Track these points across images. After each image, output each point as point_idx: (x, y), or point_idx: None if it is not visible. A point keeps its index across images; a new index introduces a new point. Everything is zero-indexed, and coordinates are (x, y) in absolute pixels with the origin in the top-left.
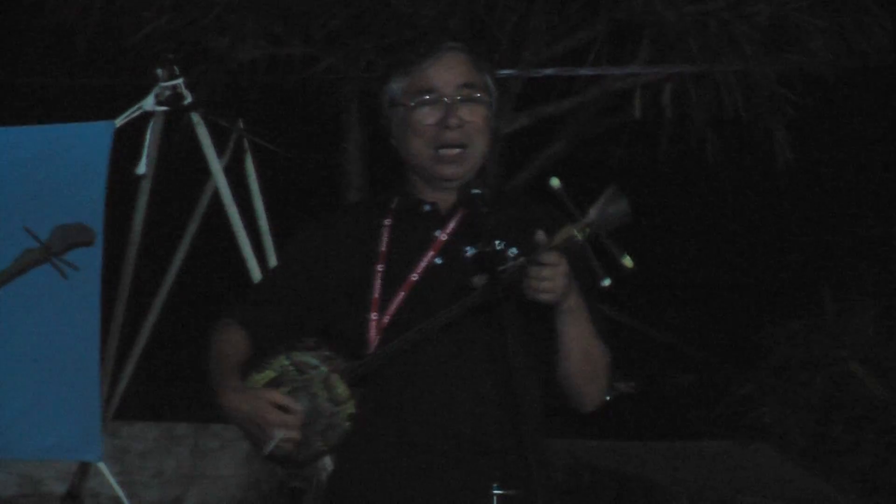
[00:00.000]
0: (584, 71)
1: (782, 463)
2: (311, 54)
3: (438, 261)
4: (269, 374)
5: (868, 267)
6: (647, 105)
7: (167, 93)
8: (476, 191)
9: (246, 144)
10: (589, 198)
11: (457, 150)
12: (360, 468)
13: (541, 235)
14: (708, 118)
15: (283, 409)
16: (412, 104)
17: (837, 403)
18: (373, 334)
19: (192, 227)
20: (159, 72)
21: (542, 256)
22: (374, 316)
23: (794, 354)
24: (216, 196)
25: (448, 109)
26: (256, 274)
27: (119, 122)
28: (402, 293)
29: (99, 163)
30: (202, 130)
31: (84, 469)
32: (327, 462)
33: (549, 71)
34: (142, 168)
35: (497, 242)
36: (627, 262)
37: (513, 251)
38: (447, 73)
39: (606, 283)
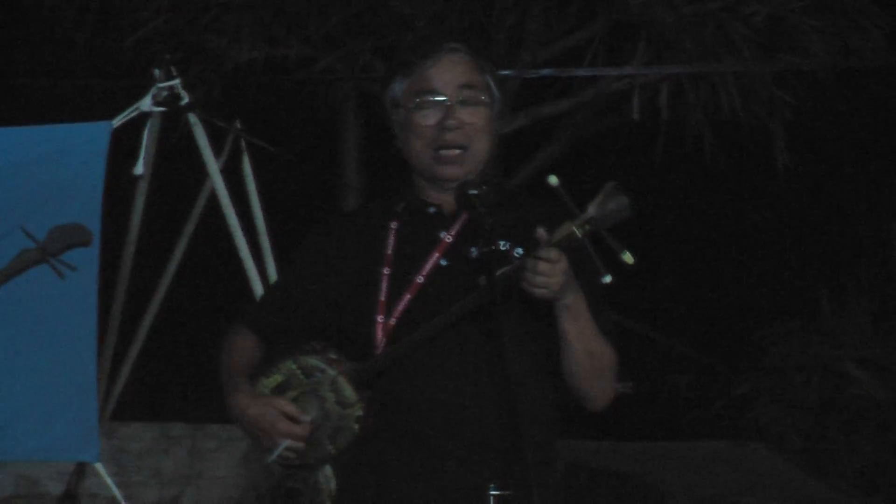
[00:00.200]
0: (582, 71)
1: (779, 463)
2: (308, 55)
3: (444, 262)
4: (276, 378)
5: (864, 268)
6: (644, 106)
7: (164, 93)
8: (473, 191)
9: (243, 145)
10: (587, 198)
11: (457, 152)
12: (368, 469)
13: (540, 232)
14: (705, 119)
15: (291, 418)
16: (412, 105)
17: (834, 404)
18: (379, 336)
19: (189, 228)
20: (156, 72)
21: (540, 252)
22: (380, 318)
23: (791, 355)
24: (213, 197)
25: (447, 111)
26: (254, 275)
27: (116, 122)
28: (408, 295)
29: (96, 163)
30: (199, 131)
31: (81, 469)
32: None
33: (546, 71)
34: (139, 169)
35: (502, 243)
36: (628, 257)
37: (518, 251)
38: (447, 74)
39: (607, 279)
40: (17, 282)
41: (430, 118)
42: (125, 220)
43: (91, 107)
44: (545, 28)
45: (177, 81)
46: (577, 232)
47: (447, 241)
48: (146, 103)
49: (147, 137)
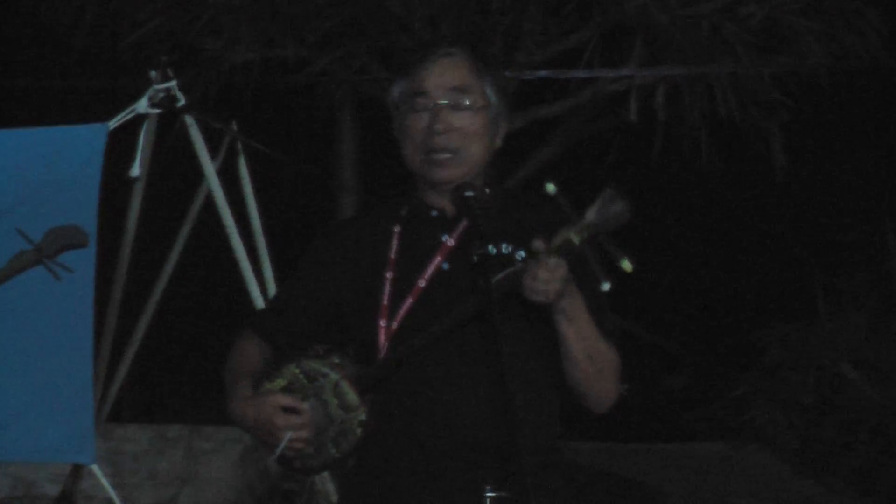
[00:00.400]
0: (578, 73)
1: (775, 464)
2: (304, 57)
3: (445, 266)
4: (279, 382)
5: (861, 269)
6: (640, 108)
7: (161, 95)
8: (469, 193)
9: (239, 147)
10: (583, 200)
11: (446, 155)
12: (370, 472)
13: (537, 242)
14: (701, 121)
15: (289, 410)
16: (405, 107)
17: (830, 405)
18: (382, 341)
19: (186, 229)
20: (153, 74)
21: (541, 259)
22: (383, 322)
23: (787, 356)
24: (209, 198)
25: (434, 114)
26: (250, 276)
27: (113, 124)
28: (410, 300)
29: (92, 165)
30: (195, 133)
31: (77, 471)
32: None
33: (542, 73)
34: (135, 170)
35: (504, 246)
36: (626, 265)
37: (521, 254)
38: (439, 76)
39: (606, 287)
40: (13, 283)
41: (420, 121)
42: (121, 222)
43: (87, 108)
44: (541, 30)
45: (173, 83)
46: (574, 239)
47: (449, 244)
48: (142, 105)
49: (143, 139)
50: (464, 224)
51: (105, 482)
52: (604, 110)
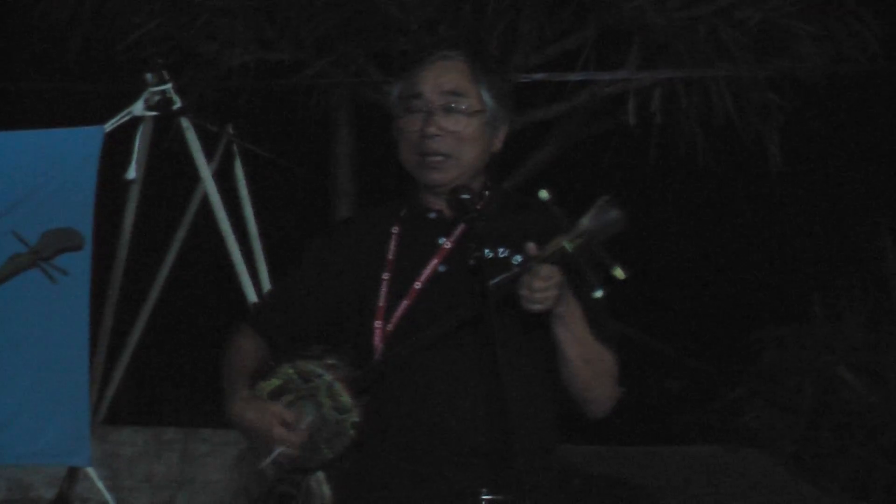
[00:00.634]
0: (574, 76)
1: (771, 467)
2: (300, 59)
3: (442, 269)
4: (274, 382)
5: (857, 273)
6: (637, 111)
7: (156, 98)
8: (465, 196)
9: (235, 149)
10: (579, 203)
11: (439, 158)
12: (363, 476)
13: (531, 246)
14: (698, 123)
15: (286, 424)
16: (401, 109)
17: (826, 408)
18: (378, 342)
19: (182, 232)
20: (149, 77)
21: (535, 270)
22: (378, 324)
23: (784, 360)
24: (205, 201)
25: (428, 117)
26: (246, 279)
27: (108, 126)
28: (406, 302)
29: (88, 167)
30: (191, 135)
31: (73, 474)
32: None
33: (538, 76)
34: (131, 173)
35: (501, 250)
36: (619, 273)
37: (517, 258)
38: (435, 80)
39: (599, 294)
40: (8, 286)
41: (414, 123)
42: (117, 225)
43: (83, 111)
44: (537, 32)
45: (169, 86)
46: (567, 247)
47: (446, 247)
48: (138, 107)
49: (139, 142)
50: (461, 227)
51: (101, 485)
52: (600, 113)
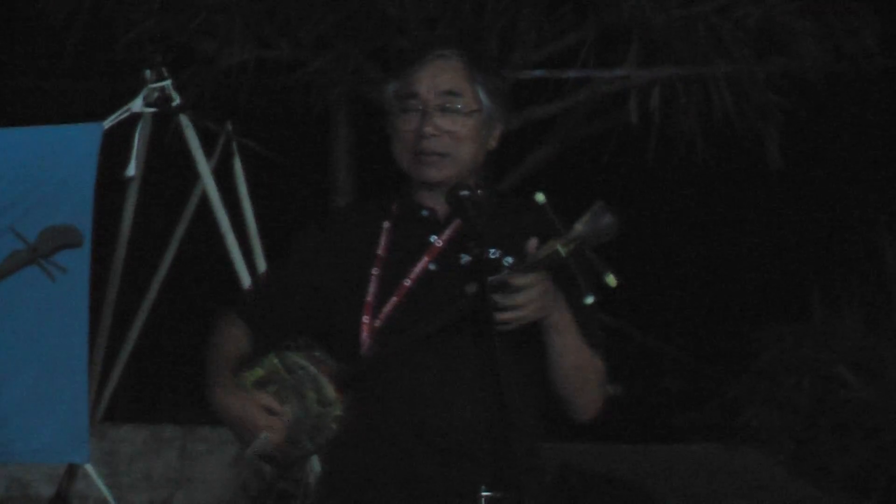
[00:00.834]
0: (573, 74)
1: (770, 466)
2: (299, 57)
3: (433, 267)
4: (258, 372)
5: (856, 271)
6: (635, 108)
7: (155, 95)
8: (464, 192)
9: (234, 146)
10: (577, 203)
11: (435, 158)
12: (347, 471)
13: (532, 243)
14: (697, 121)
15: (270, 411)
16: (396, 109)
17: (825, 407)
18: (364, 337)
19: (181, 229)
20: (148, 74)
21: (513, 278)
22: (366, 319)
23: (782, 358)
24: (204, 198)
25: (424, 117)
26: (244, 276)
27: (107, 123)
28: (395, 298)
29: (87, 164)
30: (190, 132)
31: (72, 471)
32: (315, 465)
33: (537, 73)
34: (130, 170)
35: (492, 251)
36: (611, 280)
37: (507, 260)
38: (430, 79)
39: (589, 300)
40: (7, 283)
41: (410, 123)
42: (116, 222)
43: (82, 108)
44: (537, 30)
45: (168, 83)
46: (561, 251)
47: (438, 245)
48: (137, 104)
49: (138, 139)
50: (453, 226)
51: (100, 483)
52: (599, 111)
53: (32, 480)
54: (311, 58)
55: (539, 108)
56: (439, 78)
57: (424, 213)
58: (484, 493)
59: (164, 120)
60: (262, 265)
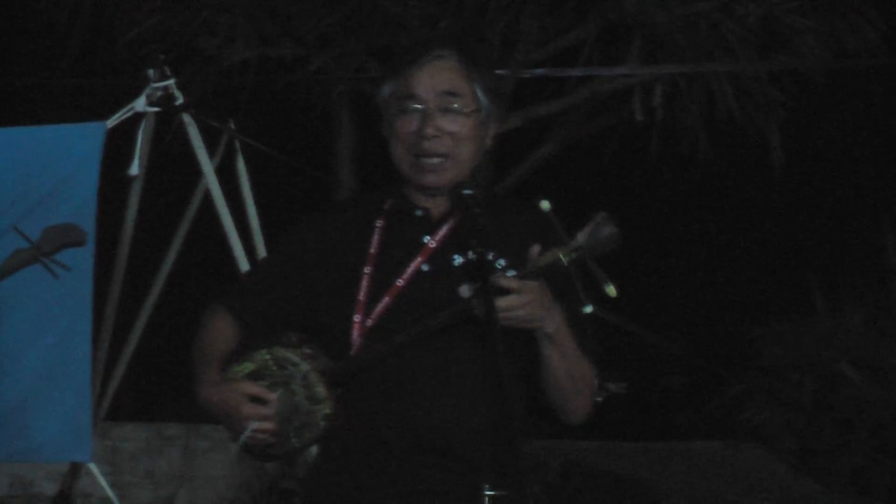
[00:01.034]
0: (575, 72)
1: (773, 463)
2: (301, 55)
3: (426, 268)
4: (248, 366)
5: (859, 268)
6: (638, 106)
7: (158, 93)
8: (468, 191)
9: (237, 145)
10: (578, 202)
11: (437, 160)
12: (334, 471)
13: (534, 249)
14: (699, 119)
15: (257, 400)
16: (395, 110)
17: (828, 404)
18: (356, 336)
19: (184, 228)
20: (150, 73)
21: (503, 281)
22: (358, 318)
23: (785, 355)
24: (207, 197)
25: (426, 118)
26: None
27: (110, 122)
28: (388, 298)
29: (90, 164)
30: (193, 131)
31: (75, 470)
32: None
33: (539, 71)
34: (133, 169)
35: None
36: (611, 290)
37: (500, 262)
38: (429, 80)
39: (588, 309)
40: (10, 282)
41: (410, 124)
42: (119, 221)
43: (85, 107)
44: (539, 28)
45: (171, 81)
46: (563, 259)
47: (431, 246)
48: (140, 103)
49: (141, 138)
50: (448, 227)
51: (103, 481)
52: (602, 109)
53: (35, 479)
54: (314, 56)
55: (541, 106)
56: (438, 78)
57: (419, 212)
58: (487, 492)
59: (166, 119)
60: None
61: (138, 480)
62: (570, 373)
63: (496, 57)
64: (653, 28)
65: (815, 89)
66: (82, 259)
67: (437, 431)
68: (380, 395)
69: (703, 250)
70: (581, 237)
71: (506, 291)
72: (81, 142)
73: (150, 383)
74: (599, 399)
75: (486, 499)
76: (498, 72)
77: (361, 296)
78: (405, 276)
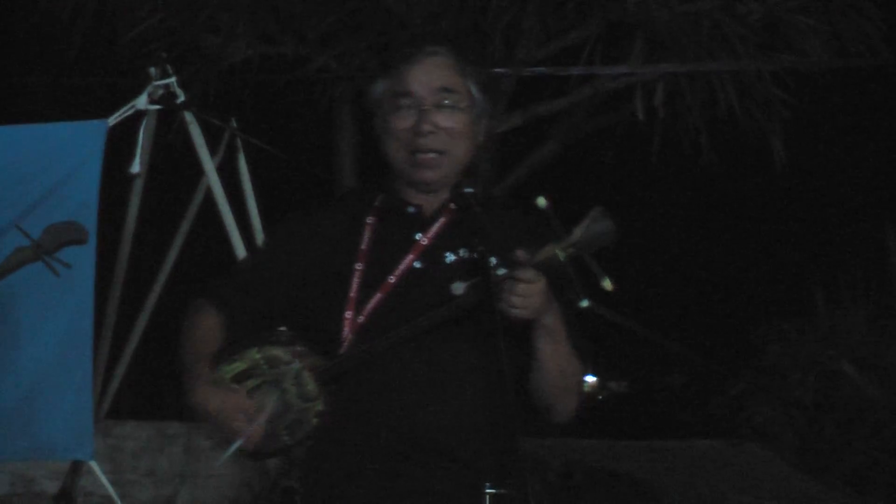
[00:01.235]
0: (577, 70)
1: (774, 462)
2: (303, 54)
3: (417, 265)
4: (238, 365)
5: (860, 267)
6: (641, 105)
7: (160, 91)
8: (469, 189)
9: (238, 143)
10: (580, 200)
11: (432, 156)
12: (326, 469)
13: (521, 253)
14: (701, 118)
15: (248, 415)
16: (389, 107)
17: (829, 403)
18: (347, 333)
19: (185, 226)
20: (152, 70)
21: (519, 272)
22: (349, 315)
23: (786, 354)
24: (209, 194)
25: (422, 114)
26: None
27: (112, 120)
28: (379, 295)
29: (92, 161)
30: (195, 129)
31: (76, 468)
32: None
33: (541, 70)
34: (135, 167)
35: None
36: (607, 284)
37: (492, 260)
38: (424, 76)
39: (584, 304)
40: (12, 279)
41: (405, 121)
42: (121, 218)
43: (87, 105)
44: (541, 27)
45: (172, 80)
46: (559, 255)
47: (423, 243)
48: (142, 101)
49: (143, 136)
50: (440, 224)
51: (104, 479)
52: (603, 108)
53: (37, 477)
54: (316, 54)
55: (542, 104)
56: (433, 75)
57: (411, 209)
58: (488, 490)
59: (168, 117)
60: None
61: (139, 479)
62: (561, 369)
63: (498, 56)
64: (654, 27)
65: (816, 88)
66: (84, 257)
67: (433, 430)
68: (374, 393)
69: (704, 249)
70: (577, 232)
71: (508, 286)
72: (83, 140)
73: (152, 381)
74: (600, 398)
75: (487, 497)
76: (500, 70)
77: (353, 292)
78: (397, 273)
